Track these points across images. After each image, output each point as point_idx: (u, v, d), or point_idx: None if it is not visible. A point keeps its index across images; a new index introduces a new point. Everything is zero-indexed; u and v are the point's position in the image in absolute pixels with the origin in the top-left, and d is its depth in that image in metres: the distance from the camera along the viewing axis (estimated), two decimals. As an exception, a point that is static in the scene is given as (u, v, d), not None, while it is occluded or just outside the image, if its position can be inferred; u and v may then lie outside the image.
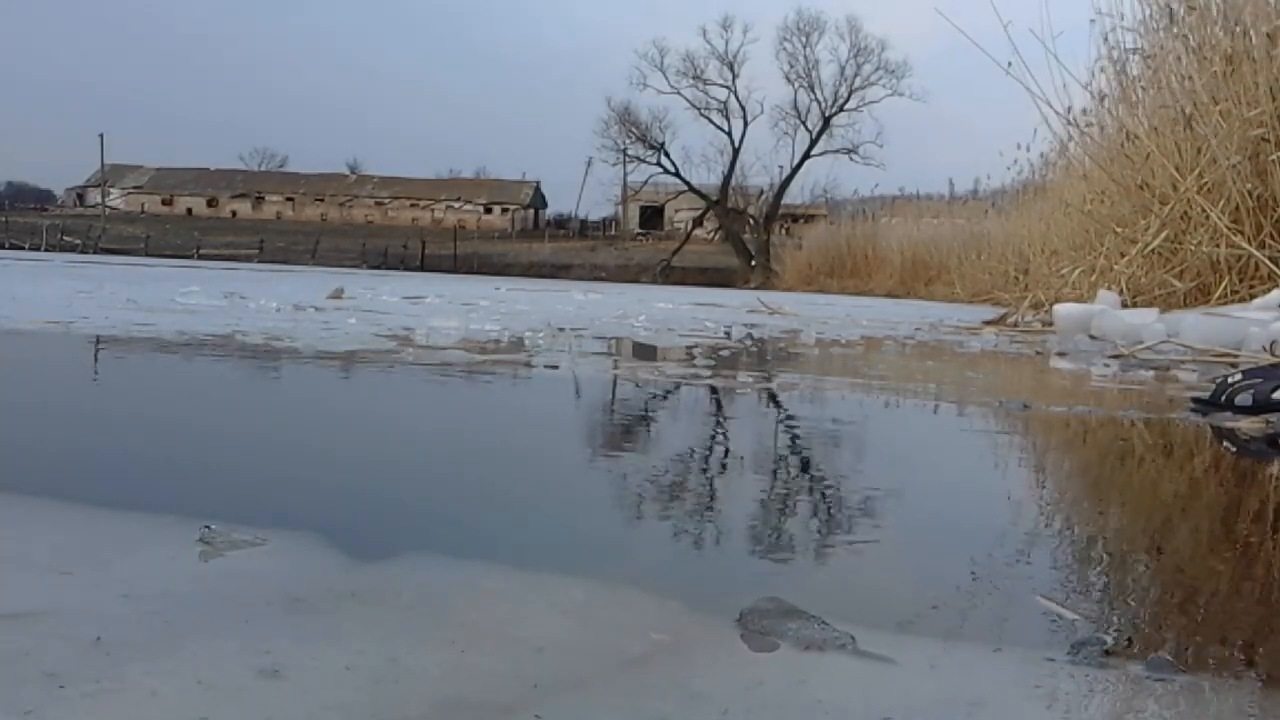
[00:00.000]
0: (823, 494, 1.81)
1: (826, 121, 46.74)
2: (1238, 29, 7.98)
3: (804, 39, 46.58)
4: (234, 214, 64.79)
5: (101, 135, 58.34)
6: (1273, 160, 7.61)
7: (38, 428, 2.16)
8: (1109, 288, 8.72)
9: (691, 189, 48.48)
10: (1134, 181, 9.23)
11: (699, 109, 47.22)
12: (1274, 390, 2.98)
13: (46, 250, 44.18)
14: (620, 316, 8.44)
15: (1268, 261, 7.24)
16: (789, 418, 2.90)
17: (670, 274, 43.70)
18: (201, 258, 43.80)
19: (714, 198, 47.92)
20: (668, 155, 47.22)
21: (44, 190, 76.23)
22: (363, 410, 2.73)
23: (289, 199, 66.41)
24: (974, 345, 6.83)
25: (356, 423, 2.48)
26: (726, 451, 2.31)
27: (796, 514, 1.64)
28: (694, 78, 46.61)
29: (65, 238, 50.05)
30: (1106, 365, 5.43)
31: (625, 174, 50.15)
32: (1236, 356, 5.32)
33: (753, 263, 43.47)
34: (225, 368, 3.50)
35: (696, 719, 0.83)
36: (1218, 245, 7.84)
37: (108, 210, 58.34)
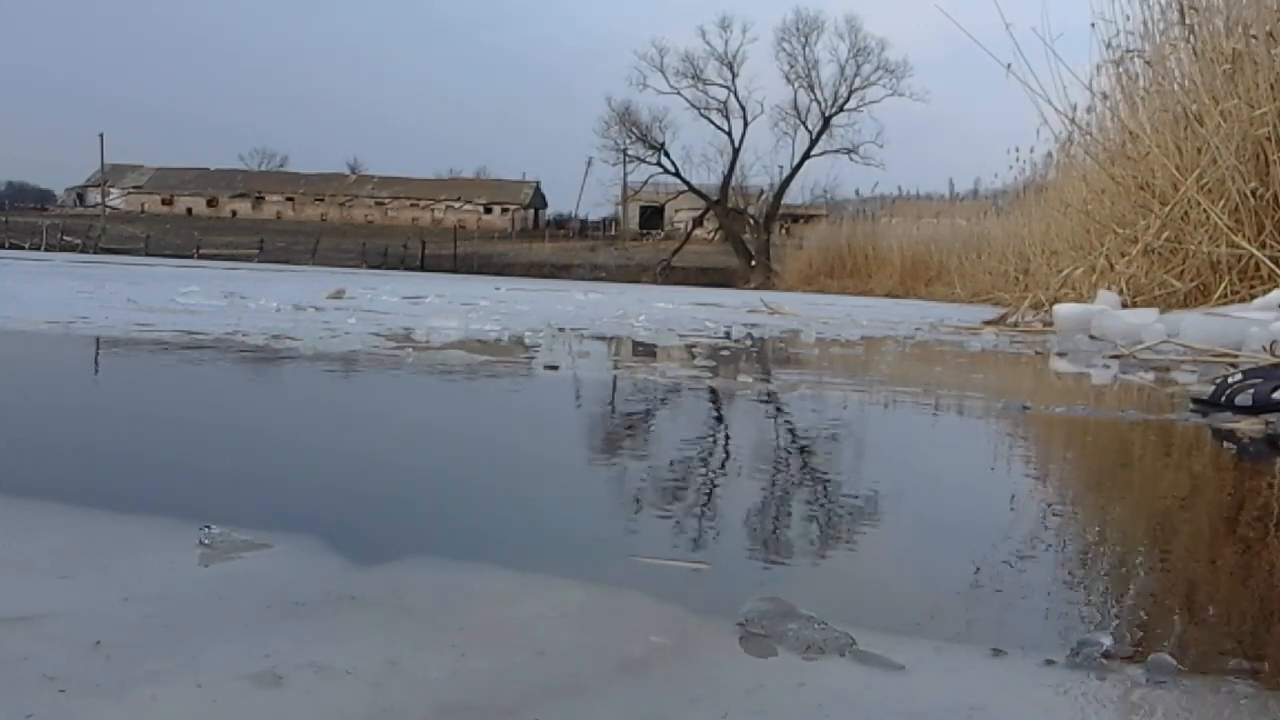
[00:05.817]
0: (823, 495, 1.81)
1: (826, 121, 46.76)
2: (1240, 29, 7.98)
3: (803, 39, 46.64)
4: (234, 214, 64.78)
5: (101, 135, 58.42)
6: (1274, 160, 7.61)
7: (38, 429, 2.16)
8: (1109, 288, 8.72)
9: (691, 189, 48.46)
10: (1134, 181, 9.24)
11: (699, 109, 47.27)
12: (1274, 390, 2.98)
13: (46, 250, 44.16)
14: (620, 316, 8.44)
15: (1268, 261, 7.23)
16: (789, 418, 2.90)
17: (670, 274, 43.68)
18: (201, 257, 43.78)
19: (714, 198, 47.90)
20: (668, 155, 47.27)
21: (44, 190, 76.33)
22: (363, 411, 2.73)
23: (289, 199, 66.40)
24: (974, 345, 6.83)
25: (357, 423, 2.48)
26: (727, 452, 2.31)
27: (796, 515, 1.64)
28: (694, 78, 46.66)
29: (65, 238, 50.02)
30: (1106, 365, 5.43)
31: (625, 174, 50.19)
32: (1236, 356, 5.32)
33: (753, 263, 43.46)
34: (225, 368, 3.49)
35: (697, 722, 0.83)
36: (1218, 245, 7.83)
37: (108, 210, 58.34)
